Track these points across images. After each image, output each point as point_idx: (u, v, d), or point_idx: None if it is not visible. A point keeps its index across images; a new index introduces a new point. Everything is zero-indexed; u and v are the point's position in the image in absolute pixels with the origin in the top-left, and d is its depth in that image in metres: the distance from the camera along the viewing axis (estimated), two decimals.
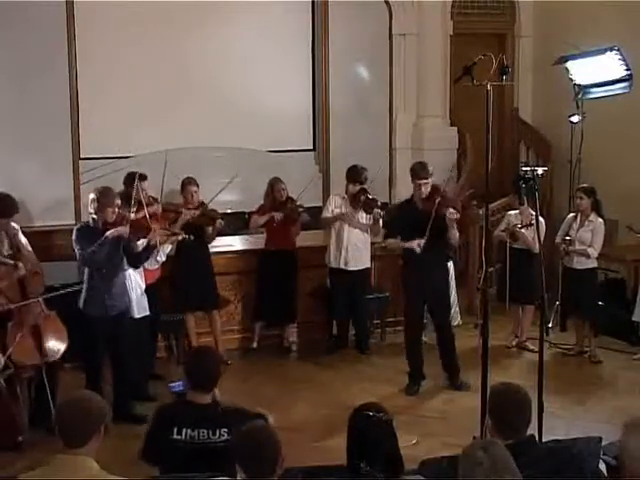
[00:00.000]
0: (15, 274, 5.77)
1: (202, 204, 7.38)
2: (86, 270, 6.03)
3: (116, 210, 5.95)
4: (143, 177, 7.13)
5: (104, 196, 5.96)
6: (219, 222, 7.28)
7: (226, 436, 3.84)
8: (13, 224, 6.07)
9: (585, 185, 7.65)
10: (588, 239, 7.38)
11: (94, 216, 5.94)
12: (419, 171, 6.58)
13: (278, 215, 7.55)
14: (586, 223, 7.42)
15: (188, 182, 7.36)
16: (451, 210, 6.40)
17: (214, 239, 7.45)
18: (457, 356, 6.89)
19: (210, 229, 7.30)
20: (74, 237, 5.94)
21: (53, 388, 5.79)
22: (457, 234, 6.65)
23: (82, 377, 6.26)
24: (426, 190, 6.54)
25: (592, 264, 7.49)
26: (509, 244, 7.60)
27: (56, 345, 5.85)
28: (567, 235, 7.46)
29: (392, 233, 6.95)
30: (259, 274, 7.77)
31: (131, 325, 6.28)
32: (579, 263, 7.45)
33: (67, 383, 6.02)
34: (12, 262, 5.79)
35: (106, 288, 5.98)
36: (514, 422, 3.40)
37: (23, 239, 6.11)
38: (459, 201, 6.53)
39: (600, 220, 7.41)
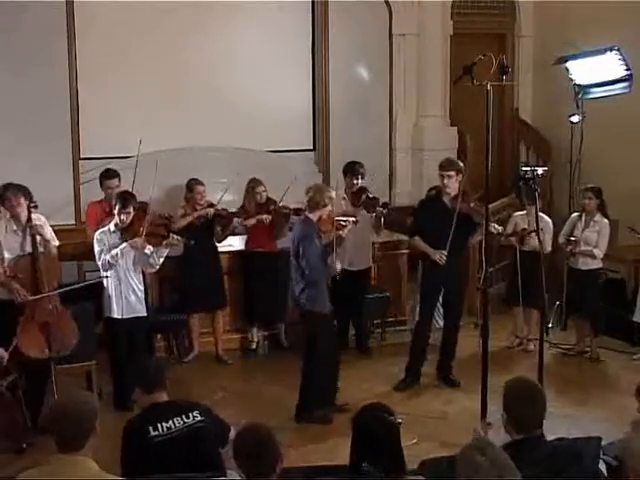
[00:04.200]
0: (31, 265, 5.80)
1: (211, 204, 7.38)
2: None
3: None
4: (111, 174, 7.12)
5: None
6: (236, 221, 7.30)
7: (199, 417, 3.94)
8: (38, 216, 6.08)
9: (592, 185, 7.56)
10: (593, 240, 7.36)
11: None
12: (443, 163, 6.68)
13: (267, 218, 7.51)
14: (591, 224, 7.40)
15: (196, 183, 7.38)
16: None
17: (225, 239, 7.45)
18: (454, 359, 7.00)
19: (219, 229, 7.31)
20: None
21: (42, 389, 5.82)
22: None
23: (81, 378, 6.27)
24: (450, 184, 6.55)
25: (597, 265, 7.48)
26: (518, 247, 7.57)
27: (66, 340, 5.88)
28: (571, 235, 7.44)
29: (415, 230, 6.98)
30: (245, 276, 7.75)
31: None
32: (584, 264, 7.43)
33: (66, 383, 6.00)
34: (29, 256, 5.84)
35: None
36: (529, 417, 3.41)
37: (48, 233, 6.12)
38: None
39: (605, 221, 7.39)
